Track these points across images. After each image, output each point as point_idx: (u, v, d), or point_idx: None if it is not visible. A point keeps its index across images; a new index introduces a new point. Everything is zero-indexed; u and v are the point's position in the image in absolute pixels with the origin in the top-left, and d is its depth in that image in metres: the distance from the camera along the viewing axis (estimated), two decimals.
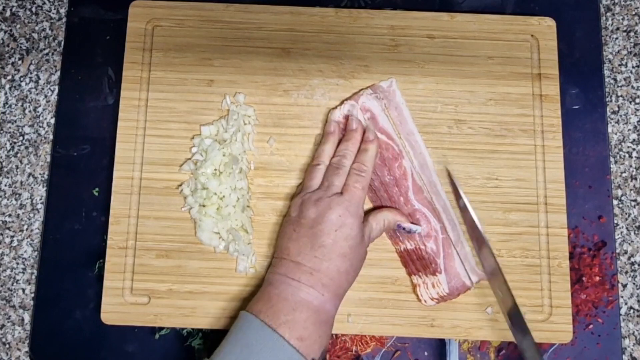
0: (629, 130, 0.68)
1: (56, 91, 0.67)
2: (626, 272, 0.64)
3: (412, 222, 0.60)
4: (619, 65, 0.69)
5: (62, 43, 0.69)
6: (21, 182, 0.66)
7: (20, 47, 0.69)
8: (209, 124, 0.64)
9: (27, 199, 0.65)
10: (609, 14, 0.71)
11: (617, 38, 0.70)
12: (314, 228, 0.54)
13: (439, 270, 0.59)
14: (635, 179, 0.67)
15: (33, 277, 0.64)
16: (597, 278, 0.63)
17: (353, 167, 0.58)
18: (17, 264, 0.64)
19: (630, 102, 0.68)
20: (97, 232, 0.63)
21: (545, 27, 0.67)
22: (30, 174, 0.66)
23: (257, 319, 0.52)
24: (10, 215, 0.65)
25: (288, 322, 0.51)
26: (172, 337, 0.62)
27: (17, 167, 0.66)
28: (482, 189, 0.63)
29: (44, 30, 0.69)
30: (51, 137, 0.66)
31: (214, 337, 0.61)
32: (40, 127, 0.67)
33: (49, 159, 0.66)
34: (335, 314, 0.55)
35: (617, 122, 0.68)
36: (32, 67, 0.68)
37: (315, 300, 0.53)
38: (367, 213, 0.59)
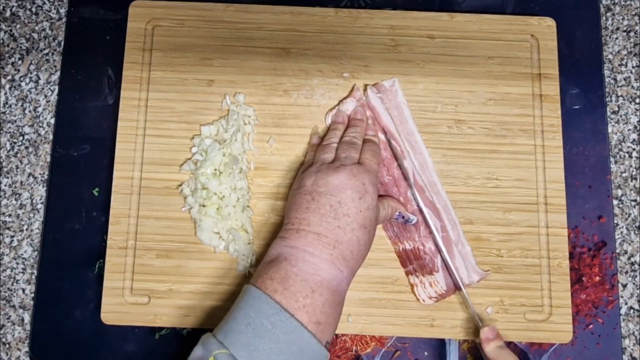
0: (629, 130, 0.68)
1: (56, 91, 0.67)
2: (626, 272, 0.64)
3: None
4: (619, 65, 0.69)
5: (62, 43, 0.69)
6: (21, 182, 0.66)
7: (20, 47, 0.69)
8: (209, 124, 0.64)
9: (27, 199, 0.65)
10: (609, 13, 0.71)
11: (617, 38, 0.70)
12: (337, 196, 0.52)
13: (435, 269, 0.60)
14: (635, 179, 0.67)
15: (33, 277, 0.64)
16: (597, 278, 0.63)
17: (365, 144, 0.59)
18: (17, 264, 0.64)
19: (630, 102, 0.68)
20: (97, 232, 0.63)
21: (545, 27, 0.67)
22: (30, 174, 0.66)
23: (272, 300, 0.48)
24: (10, 215, 0.65)
25: (306, 305, 0.48)
26: (172, 337, 0.62)
27: (17, 167, 0.66)
28: (482, 189, 0.63)
29: (44, 30, 0.69)
30: (51, 137, 0.66)
31: None
32: (40, 127, 0.67)
33: (49, 159, 0.66)
34: (346, 292, 0.53)
35: (617, 122, 0.68)
36: (32, 67, 0.68)
37: (334, 280, 0.50)
38: None
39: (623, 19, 0.71)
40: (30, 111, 0.67)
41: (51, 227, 0.64)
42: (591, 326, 0.62)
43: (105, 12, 0.69)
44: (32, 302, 0.63)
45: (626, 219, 0.66)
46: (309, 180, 0.54)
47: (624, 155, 0.67)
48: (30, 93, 0.68)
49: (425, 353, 0.62)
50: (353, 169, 0.54)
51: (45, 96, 0.68)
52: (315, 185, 0.54)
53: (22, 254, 0.64)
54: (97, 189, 0.64)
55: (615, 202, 0.66)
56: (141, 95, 0.64)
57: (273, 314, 0.47)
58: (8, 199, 0.65)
